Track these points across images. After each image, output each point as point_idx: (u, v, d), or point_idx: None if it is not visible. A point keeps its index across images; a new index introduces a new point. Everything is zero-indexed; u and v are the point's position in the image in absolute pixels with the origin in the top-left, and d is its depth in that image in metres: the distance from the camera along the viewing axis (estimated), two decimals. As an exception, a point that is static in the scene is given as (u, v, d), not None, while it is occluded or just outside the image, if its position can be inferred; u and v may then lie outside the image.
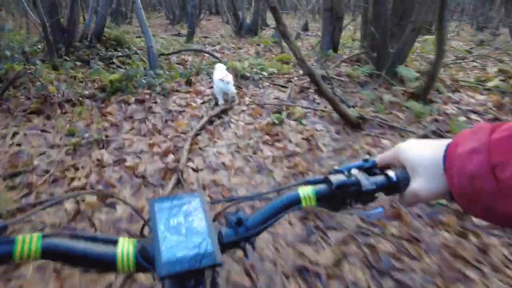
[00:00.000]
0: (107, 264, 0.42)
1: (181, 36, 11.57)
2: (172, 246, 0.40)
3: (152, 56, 4.75)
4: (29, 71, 3.86)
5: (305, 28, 13.40)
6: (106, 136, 3.12)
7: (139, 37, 10.94)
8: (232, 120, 3.59)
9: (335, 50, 5.88)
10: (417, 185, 0.47)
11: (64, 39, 5.82)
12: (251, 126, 3.42)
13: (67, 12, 5.84)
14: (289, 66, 5.82)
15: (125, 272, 0.46)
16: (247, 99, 4.50)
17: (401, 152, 0.50)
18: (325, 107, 3.68)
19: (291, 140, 3.02)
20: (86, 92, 4.13)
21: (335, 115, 3.39)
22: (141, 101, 4.01)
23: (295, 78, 5.18)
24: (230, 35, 11.87)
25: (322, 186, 0.51)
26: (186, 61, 6.81)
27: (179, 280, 0.40)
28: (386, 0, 4.43)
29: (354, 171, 0.52)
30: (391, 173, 0.52)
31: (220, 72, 4.01)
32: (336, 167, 0.54)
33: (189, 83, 4.91)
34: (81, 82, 4.79)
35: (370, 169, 0.54)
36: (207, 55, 7.42)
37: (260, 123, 3.44)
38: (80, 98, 4.06)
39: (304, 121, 3.36)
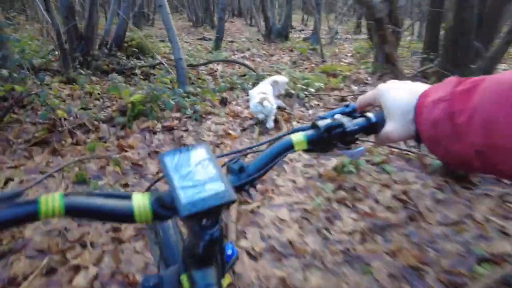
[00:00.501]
0: (125, 217, 0.44)
1: (206, 39, 10.86)
2: (189, 190, 0.43)
3: (181, 71, 4.00)
4: (34, 92, 3.14)
5: (336, 31, 12.50)
6: (125, 185, 2.36)
7: (163, 41, 10.33)
8: (285, 159, 2.76)
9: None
10: (390, 127, 0.52)
11: (81, 47, 5.16)
12: (313, 170, 2.59)
13: (86, 17, 5.17)
14: (338, 80, 4.95)
15: (143, 221, 0.44)
16: (295, 124, 3.67)
17: (380, 95, 0.54)
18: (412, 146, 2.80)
19: (377, 200, 2.17)
20: (103, 116, 3.40)
21: (429, 159, 2.51)
22: (169, 129, 3.25)
23: (350, 96, 4.31)
24: (258, 39, 11.07)
25: (311, 131, 0.55)
26: (215, 71, 6.05)
27: (199, 218, 0.44)
28: (474, 3, 3.50)
29: (338, 116, 0.56)
30: (370, 114, 0.56)
31: (261, 91, 3.42)
32: (320, 114, 0.59)
33: (224, 102, 4.12)
34: (98, 99, 4.09)
35: (351, 113, 0.58)
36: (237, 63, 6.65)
37: (325, 166, 2.61)
38: (96, 122, 3.34)
39: (388, 168, 2.49)
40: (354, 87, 4.66)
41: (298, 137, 0.54)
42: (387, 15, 4.72)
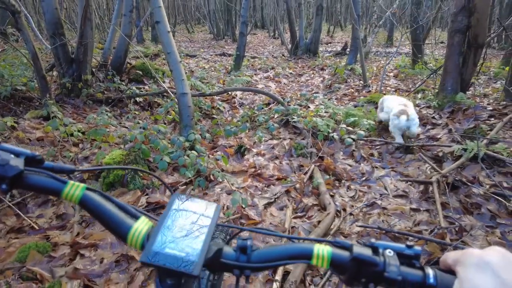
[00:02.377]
0: (120, 234, 0.45)
1: (226, 55, 9.91)
2: (166, 240, 0.42)
3: (184, 110, 2.94)
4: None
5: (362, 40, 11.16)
6: None
7: (191, 57, 9.44)
8: None
9: (464, 92, 3.75)
10: None
11: (72, 71, 4.24)
12: None
13: (77, 35, 4.25)
14: (392, 115, 3.74)
15: (133, 246, 0.44)
16: (343, 192, 2.51)
17: (462, 264, 0.40)
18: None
19: None
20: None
21: None
22: (158, 207, 2.17)
23: (415, 144, 3.09)
24: (283, 55, 10.01)
25: (340, 252, 0.45)
26: (233, 97, 5.00)
27: (161, 273, 0.42)
28: None
29: (388, 253, 0.44)
30: (430, 271, 0.43)
31: (396, 104, 3.17)
32: (373, 240, 0.45)
33: (241, 152, 3.03)
34: (76, 145, 3.09)
35: (409, 258, 0.44)
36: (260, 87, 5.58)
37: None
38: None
39: None
40: (418, 129, 3.44)
41: (321, 250, 0.45)
42: (465, 29, 3.52)
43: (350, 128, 3.32)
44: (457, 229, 1.95)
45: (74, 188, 0.47)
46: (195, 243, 0.42)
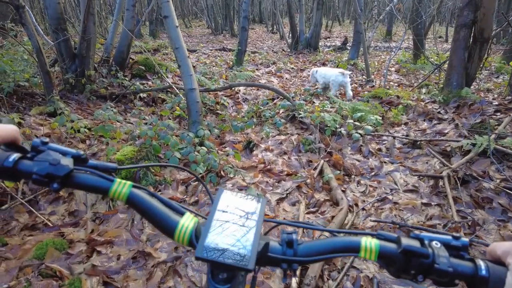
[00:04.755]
0: (167, 230, 0.46)
1: (226, 50, 9.85)
2: (217, 235, 0.42)
3: (193, 106, 2.93)
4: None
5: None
6: None
7: (191, 52, 9.32)
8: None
9: (468, 87, 3.75)
10: None
11: (75, 66, 4.20)
12: None
13: (80, 30, 4.21)
14: (397, 111, 3.76)
15: (180, 242, 0.45)
16: (353, 187, 2.52)
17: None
18: None
19: None
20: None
21: None
22: (170, 203, 2.16)
23: (422, 138, 3.11)
24: (283, 50, 9.97)
25: (388, 244, 0.45)
26: (237, 92, 4.98)
27: (214, 268, 0.44)
28: None
29: (435, 244, 0.44)
30: (481, 262, 0.42)
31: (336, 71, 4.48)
32: (417, 232, 0.48)
33: (249, 147, 3.03)
34: (84, 140, 3.08)
35: (457, 249, 0.44)
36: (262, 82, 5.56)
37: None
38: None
39: None
40: (424, 124, 3.46)
41: (369, 243, 0.45)
42: (471, 23, 3.52)
43: (357, 123, 3.32)
44: (470, 223, 1.97)
45: (122, 186, 0.47)
46: (246, 238, 0.42)
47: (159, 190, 2.26)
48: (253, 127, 3.47)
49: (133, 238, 1.89)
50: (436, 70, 4.82)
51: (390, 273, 0.46)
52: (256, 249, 0.42)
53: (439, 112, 3.57)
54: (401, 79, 5.89)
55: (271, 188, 2.42)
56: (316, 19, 8.77)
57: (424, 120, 3.55)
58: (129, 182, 0.48)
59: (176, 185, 2.31)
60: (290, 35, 9.71)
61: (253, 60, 8.14)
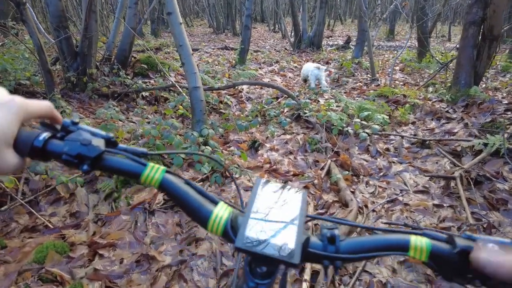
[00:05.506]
0: (201, 219, 0.43)
1: (229, 49, 9.78)
2: (258, 226, 0.40)
3: (197, 105, 2.86)
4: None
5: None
6: None
7: (193, 50, 9.25)
8: None
9: (477, 85, 3.67)
10: None
11: (76, 64, 4.14)
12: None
13: (81, 28, 4.15)
14: (404, 110, 3.69)
15: (213, 233, 0.43)
16: (362, 187, 2.46)
17: None
18: None
19: None
20: (81, 176, 2.30)
21: None
22: (175, 204, 2.11)
23: (431, 138, 3.03)
24: (285, 49, 9.90)
25: (441, 244, 0.42)
26: (240, 91, 4.92)
27: (254, 261, 0.41)
28: None
29: (492, 247, 0.39)
30: None
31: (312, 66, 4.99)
32: (468, 233, 0.42)
33: (255, 147, 2.96)
34: (86, 140, 3.01)
35: None
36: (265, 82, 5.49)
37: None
38: (72, 186, 2.25)
39: None
40: (432, 123, 3.39)
41: (419, 241, 0.42)
42: (480, 20, 3.44)
43: (364, 122, 3.25)
44: (485, 225, 1.90)
45: (154, 171, 0.44)
46: (289, 230, 0.40)
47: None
48: (258, 126, 3.41)
49: (136, 241, 1.83)
50: (442, 69, 4.74)
51: (441, 275, 0.42)
52: (301, 243, 0.39)
53: (447, 111, 3.50)
54: (406, 78, 5.81)
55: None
56: (319, 17, 8.70)
57: (432, 120, 3.48)
58: (162, 167, 0.45)
59: (180, 185, 2.25)
60: (293, 33, 9.63)
61: (255, 59, 8.07)
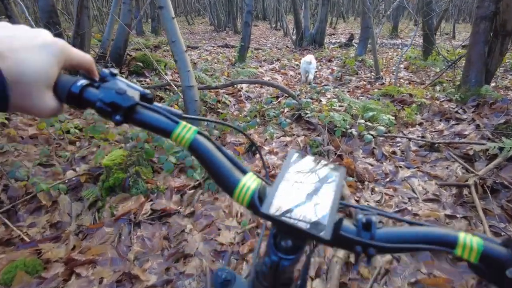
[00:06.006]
0: (227, 186, 0.41)
1: (229, 47, 9.60)
2: (288, 195, 0.38)
3: (191, 105, 2.69)
4: None
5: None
6: None
7: (192, 48, 9.15)
8: None
9: (488, 84, 3.48)
10: None
11: (68, 62, 3.97)
12: None
13: (73, 25, 3.98)
14: (411, 110, 3.50)
15: (239, 202, 0.40)
16: (367, 196, 2.27)
17: None
18: None
19: None
20: (67, 181, 2.14)
21: None
22: (164, 215, 1.94)
23: (440, 141, 2.85)
24: (287, 46, 9.70)
25: (496, 247, 0.36)
26: (239, 90, 4.74)
27: (280, 232, 0.40)
28: None
29: None
30: None
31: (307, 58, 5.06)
32: None
33: (252, 151, 2.78)
34: (73, 143, 2.85)
35: None
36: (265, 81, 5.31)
37: None
38: (53, 193, 2.09)
39: None
40: (441, 124, 3.20)
41: (469, 240, 0.37)
42: (492, 15, 3.24)
43: (369, 124, 3.07)
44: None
45: (186, 130, 0.43)
46: (322, 205, 0.37)
47: (151, 200, 2.02)
48: (256, 127, 3.23)
49: (119, 257, 1.66)
50: (450, 67, 4.54)
51: (491, 281, 0.38)
52: (333, 221, 0.36)
53: (456, 112, 3.31)
54: (411, 76, 5.62)
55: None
56: (321, 14, 8.49)
57: (441, 120, 3.29)
58: (194, 127, 0.44)
59: (170, 193, 2.07)
60: (295, 31, 9.43)
61: (256, 57, 7.88)
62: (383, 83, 4.87)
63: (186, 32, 15.66)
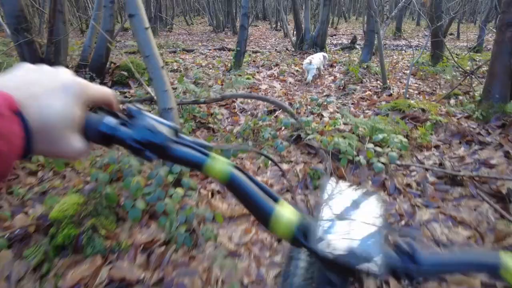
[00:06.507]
0: (262, 216, 0.41)
1: (226, 50, 9.17)
2: (335, 230, 0.38)
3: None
4: None
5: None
6: None
7: (174, 52, 8.69)
8: None
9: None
10: None
11: (41, 73, 3.56)
12: None
13: (47, 31, 3.57)
14: (424, 129, 3.07)
15: (277, 234, 0.40)
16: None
17: None
18: None
19: None
20: (10, 231, 1.74)
21: None
22: (122, 284, 1.52)
23: (465, 174, 2.42)
24: (287, 49, 9.27)
25: None
26: (233, 101, 4.33)
27: (327, 266, 0.39)
28: None
29: None
30: None
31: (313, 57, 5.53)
32: None
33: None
34: (34, 173, 2.45)
35: None
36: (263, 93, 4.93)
37: None
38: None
39: None
40: (461, 149, 2.78)
41: None
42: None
43: (379, 149, 2.65)
44: None
45: (218, 162, 0.43)
46: (369, 235, 0.37)
47: (110, 262, 1.61)
48: (248, 151, 2.82)
49: None
50: (467, 77, 4.11)
51: None
52: (384, 251, 0.36)
53: (479, 133, 2.88)
54: (420, 84, 5.19)
55: (268, 254, 1.76)
56: (322, 15, 8.06)
57: (460, 143, 2.87)
58: (225, 160, 0.43)
59: (134, 253, 1.66)
60: (295, 33, 9.00)
61: (254, 61, 7.46)
62: (391, 94, 4.45)
63: (184, 33, 15.29)
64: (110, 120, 0.40)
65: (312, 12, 12.30)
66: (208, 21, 18.26)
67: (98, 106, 0.42)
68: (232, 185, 0.42)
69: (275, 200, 0.42)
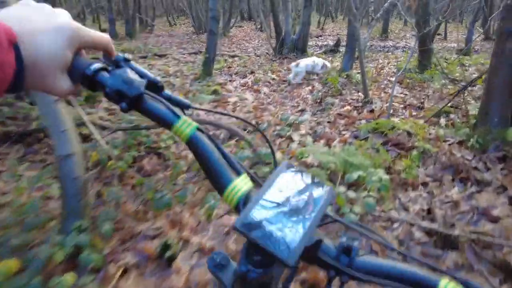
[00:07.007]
0: (219, 186, 0.42)
1: (200, 53, 8.56)
2: (267, 211, 0.37)
3: (69, 185, 1.66)
4: None
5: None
6: None
7: (145, 57, 7.98)
8: None
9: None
10: None
11: None
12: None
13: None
14: (410, 161, 2.54)
15: (227, 203, 0.41)
16: None
17: None
18: None
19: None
20: None
21: None
22: None
23: (448, 215, 1.89)
24: (267, 53, 8.71)
25: None
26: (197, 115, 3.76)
27: (250, 247, 0.38)
28: None
29: None
30: None
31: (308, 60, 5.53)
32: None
33: (168, 256, 1.80)
34: None
35: None
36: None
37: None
38: None
39: None
40: (454, 189, 2.24)
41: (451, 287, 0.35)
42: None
43: (352, 194, 2.10)
44: None
45: (186, 125, 0.43)
46: (297, 227, 0.36)
47: None
48: (190, 195, 2.25)
49: None
50: (459, 92, 3.59)
51: None
52: (303, 244, 0.34)
53: (475, 168, 2.36)
54: (406, 94, 4.68)
55: None
56: (303, 18, 7.53)
57: (453, 180, 2.34)
58: (195, 124, 0.43)
59: None
60: (275, 37, 8.46)
61: (229, 67, 6.89)
62: (373, 110, 3.91)
63: (165, 35, 14.67)
64: (96, 65, 0.42)
65: (296, 13, 11.79)
66: (191, 22, 17.64)
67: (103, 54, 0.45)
68: (192, 144, 0.43)
69: (238, 173, 0.42)
